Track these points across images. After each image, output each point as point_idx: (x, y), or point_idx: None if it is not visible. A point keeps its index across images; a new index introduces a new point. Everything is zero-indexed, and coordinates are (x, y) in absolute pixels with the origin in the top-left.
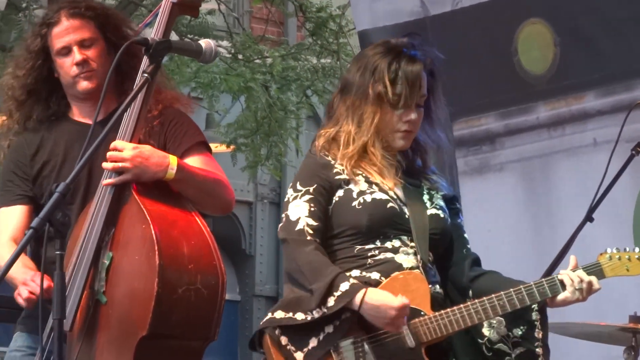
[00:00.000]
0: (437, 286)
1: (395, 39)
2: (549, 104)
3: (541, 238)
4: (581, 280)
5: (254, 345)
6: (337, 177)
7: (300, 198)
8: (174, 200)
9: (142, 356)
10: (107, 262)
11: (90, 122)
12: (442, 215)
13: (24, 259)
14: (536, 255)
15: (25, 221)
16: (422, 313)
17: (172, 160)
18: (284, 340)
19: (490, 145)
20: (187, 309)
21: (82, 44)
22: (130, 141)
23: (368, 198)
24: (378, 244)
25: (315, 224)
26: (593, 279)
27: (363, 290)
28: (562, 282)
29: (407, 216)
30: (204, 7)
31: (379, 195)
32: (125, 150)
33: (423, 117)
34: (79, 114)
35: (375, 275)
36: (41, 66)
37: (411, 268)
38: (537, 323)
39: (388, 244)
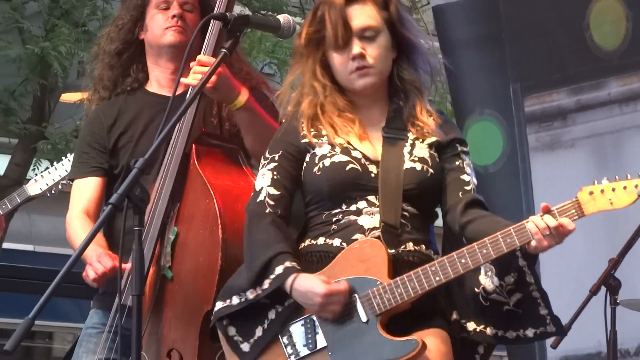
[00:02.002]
0: (410, 244)
1: None
2: (621, 79)
3: (612, 214)
4: (548, 227)
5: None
6: (302, 141)
7: (266, 167)
8: (238, 174)
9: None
10: (172, 238)
11: (166, 93)
12: (418, 168)
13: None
14: (607, 231)
15: (99, 193)
16: (377, 283)
17: (244, 90)
18: (231, 330)
19: (561, 121)
20: None
21: (183, 5)
22: (197, 107)
23: (327, 162)
24: (344, 207)
25: (277, 193)
26: (564, 220)
27: (293, 276)
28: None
29: (373, 175)
30: None
31: (338, 158)
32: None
33: (402, 54)
34: (157, 85)
35: (336, 242)
36: (136, 22)
37: (374, 228)
38: (526, 269)
39: (353, 207)
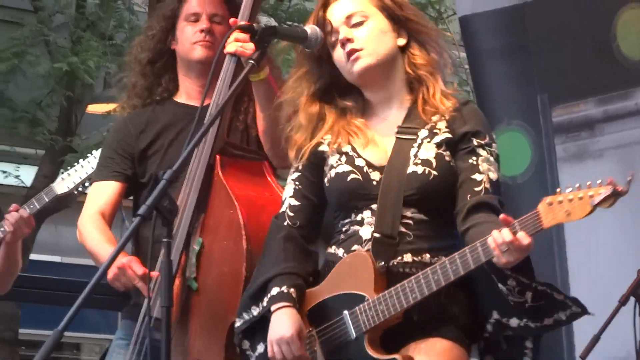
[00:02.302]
0: (408, 255)
1: None
2: None
3: None
4: (504, 241)
5: None
6: (319, 149)
7: (290, 176)
8: (262, 185)
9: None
10: (197, 248)
11: (195, 104)
12: (419, 172)
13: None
14: (637, 242)
15: (116, 198)
16: (365, 299)
17: (267, 68)
18: (245, 344)
19: (589, 131)
20: None
21: (212, 18)
22: (222, 117)
23: (333, 173)
24: (352, 217)
25: (297, 204)
26: (520, 235)
27: (277, 305)
28: None
29: (375, 183)
30: None
31: (342, 168)
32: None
33: (412, 40)
34: (186, 96)
35: (340, 252)
36: (167, 32)
37: (370, 239)
38: (514, 275)
39: (359, 217)
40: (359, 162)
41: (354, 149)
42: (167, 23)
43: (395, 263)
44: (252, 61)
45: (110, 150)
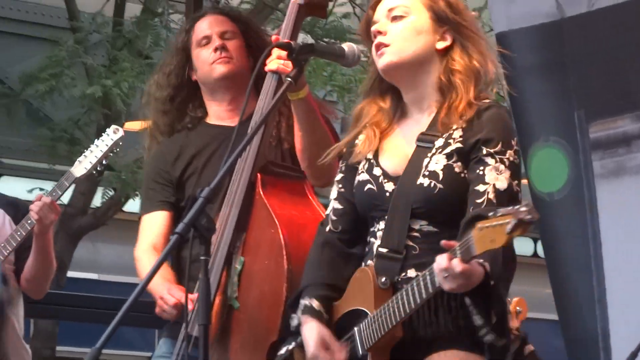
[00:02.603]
0: (412, 270)
1: None
2: None
3: None
4: (443, 267)
5: None
6: (354, 152)
7: (336, 176)
8: (304, 204)
9: None
10: (239, 267)
11: (227, 124)
12: (425, 185)
13: (162, 271)
14: None
15: (166, 228)
16: (367, 315)
17: (307, 87)
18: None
19: (626, 147)
20: None
21: (223, 35)
22: (263, 136)
23: (356, 180)
24: (372, 227)
25: (340, 207)
26: (453, 262)
27: (303, 318)
28: None
29: (388, 194)
30: (339, 10)
31: (362, 177)
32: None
33: (456, 43)
34: (216, 117)
35: (362, 265)
36: (183, 65)
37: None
38: (471, 308)
39: (375, 228)
40: (376, 171)
41: (375, 156)
42: (181, 56)
43: (399, 279)
44: (289, 79)
45: (150, 181)
